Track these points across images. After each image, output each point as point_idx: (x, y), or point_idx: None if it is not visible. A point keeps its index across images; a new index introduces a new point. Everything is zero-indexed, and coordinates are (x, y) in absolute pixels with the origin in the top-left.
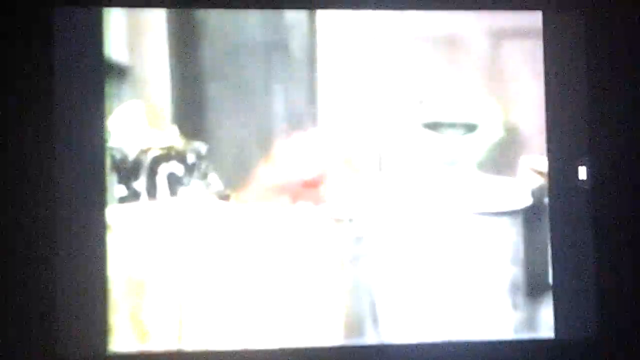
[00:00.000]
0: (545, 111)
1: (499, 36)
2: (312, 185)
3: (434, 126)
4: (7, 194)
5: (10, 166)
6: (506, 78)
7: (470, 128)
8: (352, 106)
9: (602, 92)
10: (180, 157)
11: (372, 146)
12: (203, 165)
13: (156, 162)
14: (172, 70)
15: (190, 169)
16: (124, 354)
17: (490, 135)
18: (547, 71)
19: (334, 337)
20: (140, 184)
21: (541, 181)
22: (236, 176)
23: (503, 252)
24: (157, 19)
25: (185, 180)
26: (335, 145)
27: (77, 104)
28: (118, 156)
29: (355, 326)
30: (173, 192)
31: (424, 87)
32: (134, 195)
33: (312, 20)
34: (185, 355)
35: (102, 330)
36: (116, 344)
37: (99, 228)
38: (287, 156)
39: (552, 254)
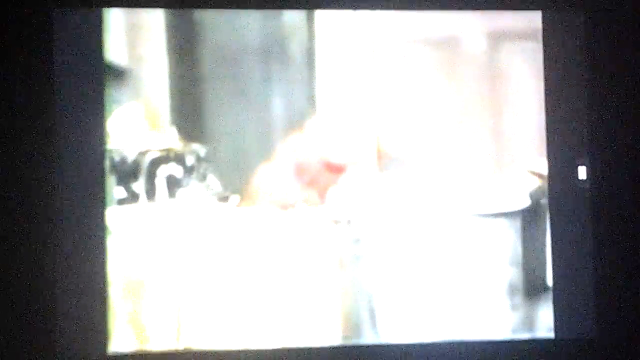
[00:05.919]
0: (545, 111)
1: (498, 36)
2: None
3: None
4: (8, 196)
5: (10, 168)
6: (506, 78)
7: None
8: (351, 107)
9: (602, 92)
10: (179, 159)
11: (370, 147)
12: (202, 167)
13: (155, 164)
14: (170, 72)
15: (189, 171)
16: (123, 354)
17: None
18: (547, 71)
19: (333, 338)
20: (139, 186)
21: (539, 183)
22: (235, 178)
23: (502, 253)
24: (155, 20)
25: (184, 182)
26: (334, 145)
27: (76, 106)
28: (117, 158)
29: (353, 326)
30: (172, 194)
31: (422, 88)
32: (132, 197)
33: (310, 21)
34: (184, 355)
35: (101, 331)
36: (116, 344)
37: (99, 229)
38: (285, 158)
39: (552, 253)
